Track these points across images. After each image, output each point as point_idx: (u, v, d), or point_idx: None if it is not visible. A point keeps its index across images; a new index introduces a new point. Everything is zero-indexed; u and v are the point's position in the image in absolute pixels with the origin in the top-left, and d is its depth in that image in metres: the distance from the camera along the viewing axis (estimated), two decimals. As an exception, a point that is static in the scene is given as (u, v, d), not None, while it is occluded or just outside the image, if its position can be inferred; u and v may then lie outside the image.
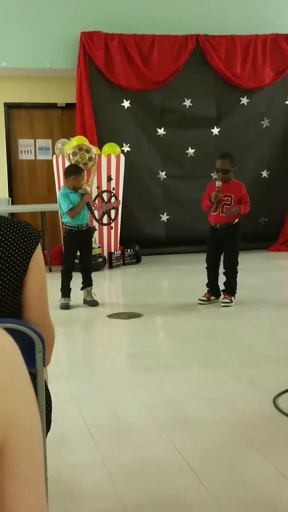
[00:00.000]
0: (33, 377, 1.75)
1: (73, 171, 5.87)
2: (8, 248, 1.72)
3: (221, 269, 5.89)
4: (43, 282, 1.80)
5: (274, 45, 8.99)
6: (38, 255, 1.77)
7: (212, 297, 5.91)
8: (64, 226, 6.07)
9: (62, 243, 6.97)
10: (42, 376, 1.75)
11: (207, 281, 5.94)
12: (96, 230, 8.02)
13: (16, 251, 1.72)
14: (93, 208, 6.03)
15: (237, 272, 5.84)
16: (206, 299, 5.88)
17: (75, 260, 6.05)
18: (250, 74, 8.96)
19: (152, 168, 8.88)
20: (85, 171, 6.01)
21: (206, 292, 5.92)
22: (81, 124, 8.45)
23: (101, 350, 4.81)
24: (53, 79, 8.95)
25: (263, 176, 9.22)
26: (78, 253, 6.01)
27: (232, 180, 5.73)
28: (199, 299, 5.88)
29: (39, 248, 1.78)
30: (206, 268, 5.94)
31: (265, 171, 9.23)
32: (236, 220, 5.78)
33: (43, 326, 1.77)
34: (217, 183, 5.66)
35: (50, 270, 7.59)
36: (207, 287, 5.93)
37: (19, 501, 0.69)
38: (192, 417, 3.21)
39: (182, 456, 2.75)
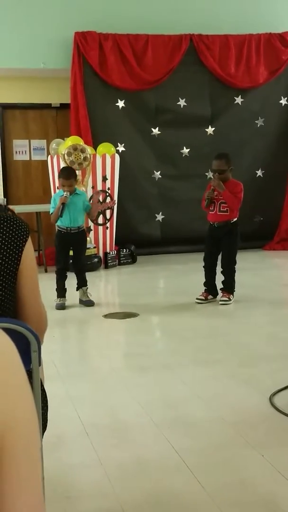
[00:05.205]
0: (29, 376, 1.75)
1: (59, 173, 5.95)
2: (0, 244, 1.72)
3: (219, 268, 5.90)
4: (35, 272, 1.84)
5: (268, 45, 9.00)
6: (29, 247, 1.77)
7: (210, 296, 5.91)
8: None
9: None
10: (37, 376, 1.74)
11: (204, 280, 5.94)
12: (91, 230, 8.02)
13: (8, 245, 1.72)
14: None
15: (234, 271, 5.84)
16: (203, 298, 5.88)
17: (69, 260, 6.03)
18: (244, 73, 8.96)
19: (147, 168, 8.87)
20: (75, 174, 5.97)
21: (204, 291, 5.92)
22: (76, 124, 8.44)
23: (97, 350, 4.80)
24: (47, 79, 8.94)
25: (257, 175, 9.22)
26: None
27: (231, 179, 5.74)
28: (197, 298, 5.88)
29: (29, 241, 1.78)
30: (204, 267, 5.94)
31: (259, 170, 9.23)
32: (235, 219, 5.79)
33: (39, 316, 1.84)
34: (212, 182, 5.70)
35: (46, 271, 7.58)
36: (205, 286, 5.93)
37: (16, 500, 0.69)
38: (189, 416, 3.21)
39: (179, 455, 2.75)
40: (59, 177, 5.84)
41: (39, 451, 0.74)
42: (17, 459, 0.70)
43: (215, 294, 5.91)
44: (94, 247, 7.95)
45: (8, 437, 0.69)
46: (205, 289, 5.92)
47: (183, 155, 8.97)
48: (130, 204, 8.72)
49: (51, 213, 5.80)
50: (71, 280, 5.93)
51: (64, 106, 9.05)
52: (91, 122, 8.42)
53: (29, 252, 1.78)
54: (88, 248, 7.13)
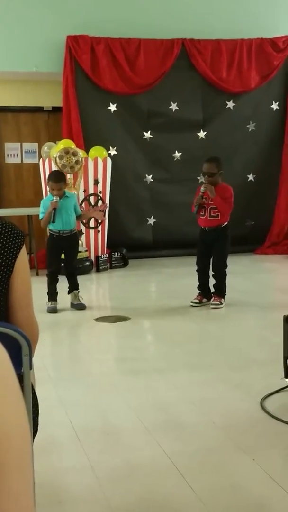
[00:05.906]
0: (20, 380, 1.74)
1: (48, 177, 5.95)
2: None
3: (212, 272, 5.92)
4: (28, 282, 1.83)
5: (259, 50, 9.03)
6: (23, 255, 1.77)
7: (204, 299, 5.92)
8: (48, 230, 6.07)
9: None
10: (29, 380, 1.74)
11: (195, 284, 5.95)
12: (83, 233, 8.01)
13: (2, 252, 1.72)
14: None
15: (225, 275, 5.86)
16: (198, 301, 5.89)
17: (61, 264, 6.01)
18: (235, 78, 9.00)
19: (139, 172, 8.88)
20: (65, 178, 5.95)
21: (198, 294, 5.93)
22: (68, 127, 8.44)
23: (88, 353, 4.79)
24: (39, 82, 8.93)
25: (249, 179, 9.25)
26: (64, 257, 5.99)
27: (221, 183, 5.76)
28: (192, 302, 5.89)
29: (23, 249, 1.78)
30: (197, 270, 5.96)
31: (251, 175, 9.26)
32: (225, 223, 5.81)
33: (30, 326, 1.82)
34: (202, 188, 5.72)
35: (37, 274, 7.56)
36: (198, 289, 5.94)
37: None
38: (180, 420, 3.21)
39: (170, 459, 2.74)
40: (49, 180, 5.83)
41: (31, 463, 0.72)
42: (10, 474, 0.68)
43: (209, 297, 5.93)
44: (86, 251, 7.94)
45: (1, 452, 0.67)
46: (199, 292, 5.94)
47: (175, 159, 8.98)
48: (122, 208, 8.73)
49: (41, 218, 5.77)
50: (62, 284, 5.92)
51: (56, 110, 9.05)
52: (83, 126, 8.42)
53: (22, 260, 1.78)
54: (80, 252, 7.12)
